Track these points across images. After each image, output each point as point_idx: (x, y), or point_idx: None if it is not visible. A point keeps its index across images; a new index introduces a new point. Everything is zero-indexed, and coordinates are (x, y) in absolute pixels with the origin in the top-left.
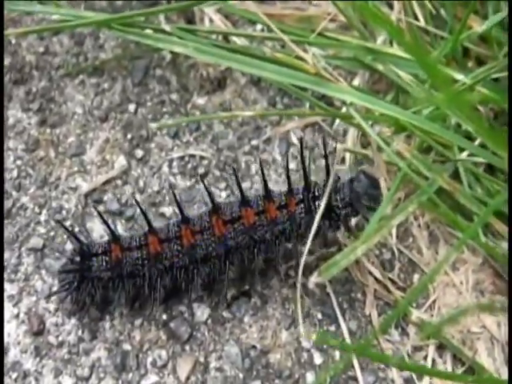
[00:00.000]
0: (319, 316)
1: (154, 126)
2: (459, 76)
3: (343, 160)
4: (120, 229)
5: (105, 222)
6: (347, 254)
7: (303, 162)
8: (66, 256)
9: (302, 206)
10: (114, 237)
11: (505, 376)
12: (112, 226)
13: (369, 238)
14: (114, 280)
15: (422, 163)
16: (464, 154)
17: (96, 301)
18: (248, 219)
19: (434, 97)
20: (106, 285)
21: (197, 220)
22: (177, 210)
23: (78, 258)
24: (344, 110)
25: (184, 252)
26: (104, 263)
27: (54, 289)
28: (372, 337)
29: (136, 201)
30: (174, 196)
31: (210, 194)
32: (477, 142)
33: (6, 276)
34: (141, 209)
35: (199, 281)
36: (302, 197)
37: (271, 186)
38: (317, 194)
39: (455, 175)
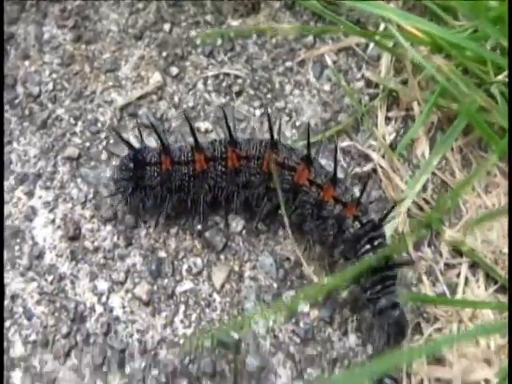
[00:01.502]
0: None
1: (193, 34)
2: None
3: (376, 86)
4: (154, 143)
5: (156, 132)
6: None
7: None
8: (122, 157)
9: None
10: (165, 148)
11: None
12: (149, 140)
13: None
14: (163, 192)
15: (460, 79)
16: (499, 77)
17: (146, 205)
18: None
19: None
20: (155, 194)
21: (244, 145)
22: (211, 127)
23: (131, 165)
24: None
25: (227, 173)
26: (155, 174)
27: (90, 196)
28: (403, 244)
29: (186, 116)
30: (225, 118)
31: (271, 129)
32: None
33: (41, 184)
34: (190, 125)
35: (238, 202)
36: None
37: (305, 107)
38: None
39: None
